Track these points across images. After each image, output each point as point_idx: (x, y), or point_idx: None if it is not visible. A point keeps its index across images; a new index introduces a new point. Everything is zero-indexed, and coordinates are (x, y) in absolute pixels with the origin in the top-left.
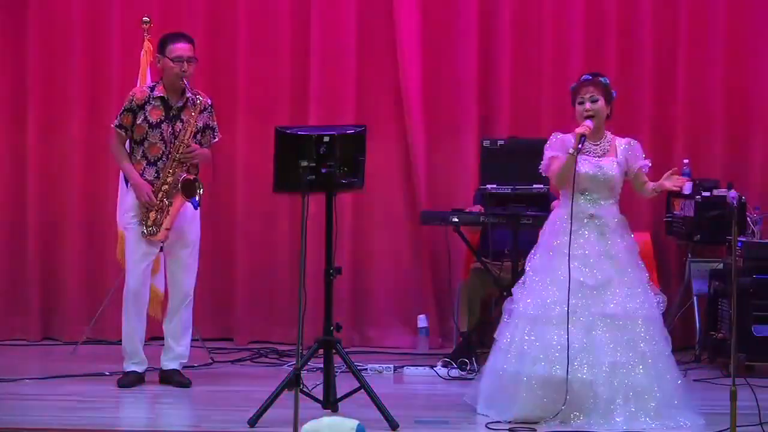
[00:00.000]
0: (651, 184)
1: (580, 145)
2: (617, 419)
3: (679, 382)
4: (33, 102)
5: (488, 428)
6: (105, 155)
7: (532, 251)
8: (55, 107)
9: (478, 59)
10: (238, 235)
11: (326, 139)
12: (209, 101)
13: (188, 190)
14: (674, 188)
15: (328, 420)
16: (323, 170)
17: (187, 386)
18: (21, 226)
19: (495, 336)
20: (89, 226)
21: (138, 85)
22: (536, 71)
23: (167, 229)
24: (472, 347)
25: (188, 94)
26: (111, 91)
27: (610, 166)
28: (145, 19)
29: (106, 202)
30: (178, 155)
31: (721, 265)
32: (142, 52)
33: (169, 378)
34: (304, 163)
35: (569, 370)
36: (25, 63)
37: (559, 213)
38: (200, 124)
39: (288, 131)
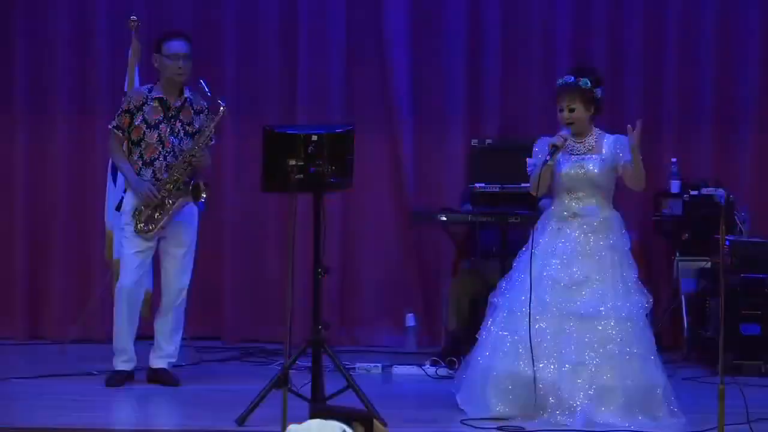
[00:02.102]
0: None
1: (548, 157)
2: (577, 417)
3: (655, 383)
4: (20, 102)
5: (466, 425)
6: (93, 155)
7: (523, 248)
8: (42, 107)
9: (467, 58)
10: (226, 234)
11: (314, 138)
12: (205, 104)
13: (195, 193)
14: (637, 138)
15: (316, 424)
16: (311, 169)
17: (175, 385)
18: (8, 225)
19: (480, 329)
20: (76, 225)
21: (126, 83)
22: (525, 70)
23: (162, 228)
24: (460, 346)
25: (186, 95)
26: (99, 90)
27: (592, 164)
28: (133, 17)
29: (93, 202)
30: (190, 157)
31: (709, 264)
32: (129, 51)
33: (157, 377)
34: (293, 163)
35: (536, 368)
36: (13, 62)
37: (548, 212)
38: (196, 126)
39: (276, 130)
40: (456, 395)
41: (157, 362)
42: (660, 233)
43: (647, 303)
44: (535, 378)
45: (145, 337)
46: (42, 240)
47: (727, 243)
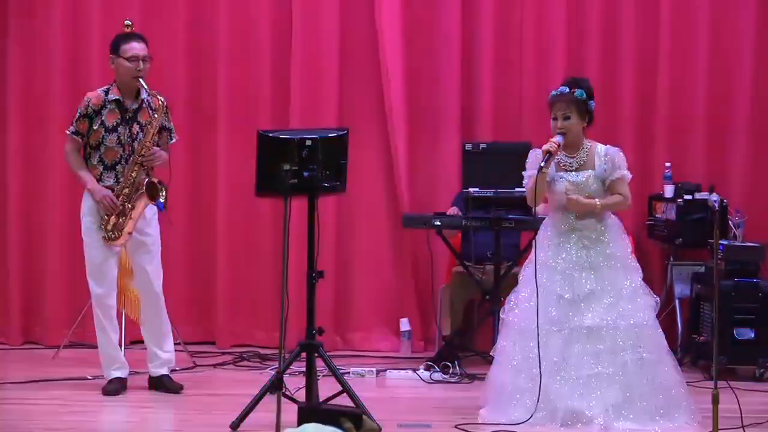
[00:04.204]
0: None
1: (543, 163)
2: (596, 427)
3: (671, 385)
4: (13, 106)
5: (459, 430)
6: None
7: (527, 261)
8: (36, 111)
9: (461, 63)
10: (220, 239)
11: (308, 142)
12: (163, 100)
13: (152, 193)
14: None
15: (311, 429)
16: (305, 174)
17: (178, 392)
18: (1, 229)
19: (494, 347)
20: (70, 229)
21: None
22: (518, 75)
23: (129, 233)
24: (454, 351)
25: (143, 95)
26: None
27: (587, 180)
28: (127, 22)
29: None
30: (139, 158)
31: (703, 269)
32: None
33: (159, 384)
34: (287, 167)
35: (547, 383)
36: (6, 66)
37: (545, 225)
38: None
39: (270, 135)
40: (481, 409)
41: (157, 370)
42: (654, 237)
43: (654, 304)
44: (539, 391)
45: (136, 342)
46: (35, 244)
47: (720, 247)
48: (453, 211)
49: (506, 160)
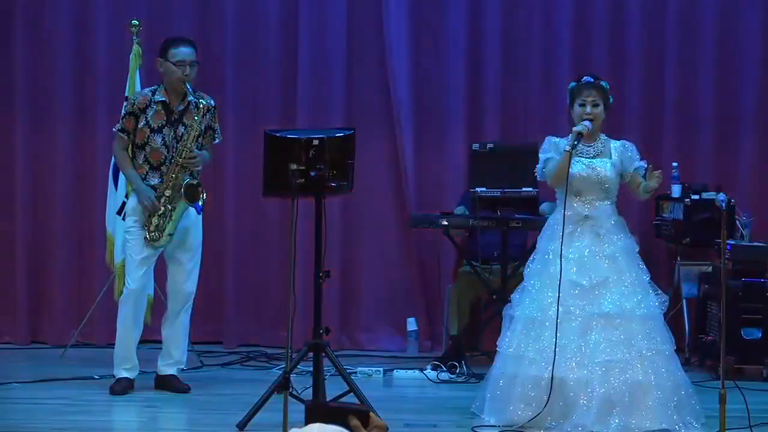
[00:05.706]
0: (642, 186)
1: (576, 142)
2: (614, 420)
3: (681, 382)
4: (20, 106)
5: (474, 431)
6: (93, 159)
7: (531, 257)
8: (43, 111)
9: (467, 62)
10: (227, 239)
11: (315, 142)
12: (212, 103)
13: (191, 195)
14: (656, 183)
15: (316, 428)
16: (312, 173)
17: (185, 392)
18: (9, 229)
19: (497, 343)
20: (77, 229)
21: (127, 88)
22: (525, 75)
23: (170, 235)
24: (461, 350)
25: (190, 98)
26: (99, 95)
27: (603, 166)
28: (134, 22)
29: (93, 206)
30: (181, 160)
31: (710, 268)
32: (131, 55)
33: (167, 384)
34: (294, 167)
35: (564, 370)
36: (12, 66)
37: (555, 217)
38: (202, 127)
39: (277, 135)
40: (481, 411)
41: (166, 369)
42: (661, 237)
43: (665, 303)
44: (552, 379)
45: (145, 341)
46: (43, 244)
47: (728, 247)
48: (460, 211)
49: (513, 160)
